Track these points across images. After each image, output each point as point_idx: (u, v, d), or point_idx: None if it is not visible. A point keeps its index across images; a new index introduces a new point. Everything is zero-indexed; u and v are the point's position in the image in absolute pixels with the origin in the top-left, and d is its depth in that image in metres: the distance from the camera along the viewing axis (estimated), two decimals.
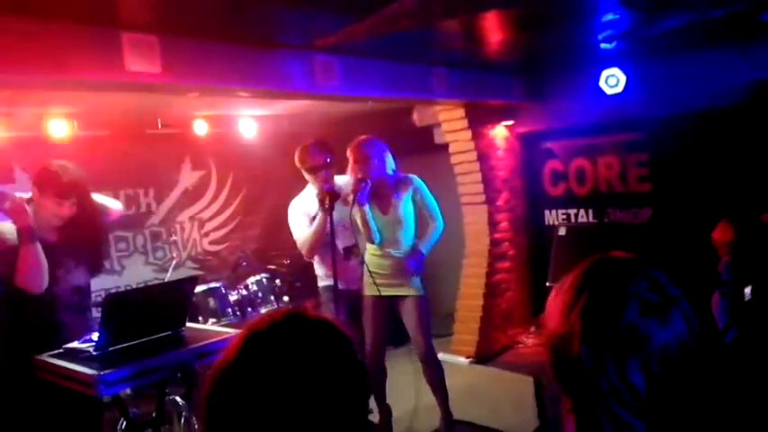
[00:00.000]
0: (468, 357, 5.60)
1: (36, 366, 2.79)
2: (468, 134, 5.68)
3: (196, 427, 3.87)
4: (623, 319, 0.98)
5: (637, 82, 5.09)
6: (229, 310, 5.24)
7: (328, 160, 3.75)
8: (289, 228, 3.92)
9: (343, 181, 3.82)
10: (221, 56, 3.47)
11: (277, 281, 5.66)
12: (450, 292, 5.87)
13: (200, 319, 4.89)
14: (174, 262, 5.39)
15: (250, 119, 6.11)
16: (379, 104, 5.57)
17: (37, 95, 4.09)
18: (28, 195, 2.98)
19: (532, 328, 6.10)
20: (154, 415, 3.07)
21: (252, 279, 5.54)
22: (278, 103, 5.34)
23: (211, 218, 6.49)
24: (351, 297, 3.86)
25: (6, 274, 2.87)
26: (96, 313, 3.52)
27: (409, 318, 3.84)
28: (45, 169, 3.04)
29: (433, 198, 3.90)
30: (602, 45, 4.40)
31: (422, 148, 5.95)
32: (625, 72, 5.10)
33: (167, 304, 3.03)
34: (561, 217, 6.08)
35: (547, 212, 6.19)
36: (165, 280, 5.26)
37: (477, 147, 5.71)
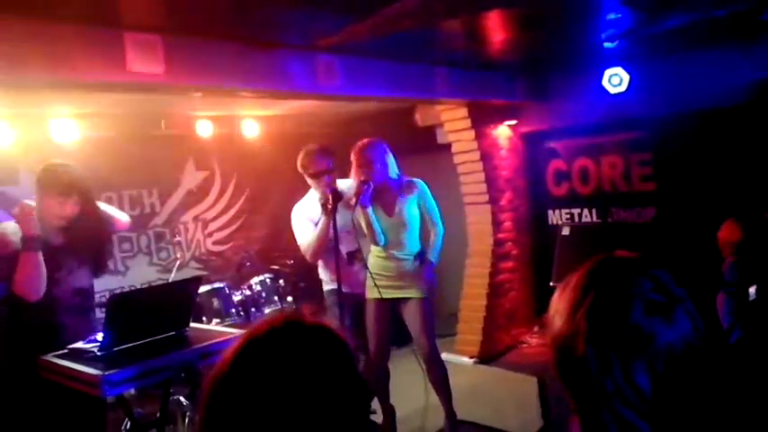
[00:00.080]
0: (471, 357, 5.60)
1: (40, 366, 2.79)
2: (471, 134, 5.67)
3: None
4: (629, 320, 0.98)
5: (640, 81, 5.08)
6: (233, 310, 5.24)
7: (330, 165, 3.76)
8: (292, 229, 3.93)
9: (346, 185, 3.82)
10: (224, 56, 3.48)
11: (281, 281, 5.66)
12: (453, 292, 5.86)
13: (203, 319, 4.89)
14: (177, 262, 5.39)
15: (253, 119, 6.12)
16: (382, 104, 5.57)
17: (41, 97, 4.10)
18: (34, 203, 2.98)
19: (536, 328, 6.09)
20: (158, 415, 3.08)
21: (256, 279, 5.55)
22: (281, 103, 5.34)
23: (215, 218, 6.50)
24: (355, 301, 3.86)
25: (7, 275, 2.87)
26: (100, 314, 3.53)
27: (412, 320, 3.84)
28: (46, 169, 3.05)
29: (434, 204, 3.92)
30: (605, 44, 4.40)
31: (424, 148, 5.95)
32: (628, 71, 5.10)
33: (171, 305, 3.04)
34: (565, 217, 6.07)
35: (550, 212, 6.19)
36: (169, 280, 5.27)
37: (479, 146, 5.70)
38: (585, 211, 5.93)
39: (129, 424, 3.44)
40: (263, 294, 5.49)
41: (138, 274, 5.76)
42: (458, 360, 5.51)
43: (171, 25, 3.17)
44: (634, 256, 1.07)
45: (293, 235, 3.93)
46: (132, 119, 5.39)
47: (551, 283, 5.36)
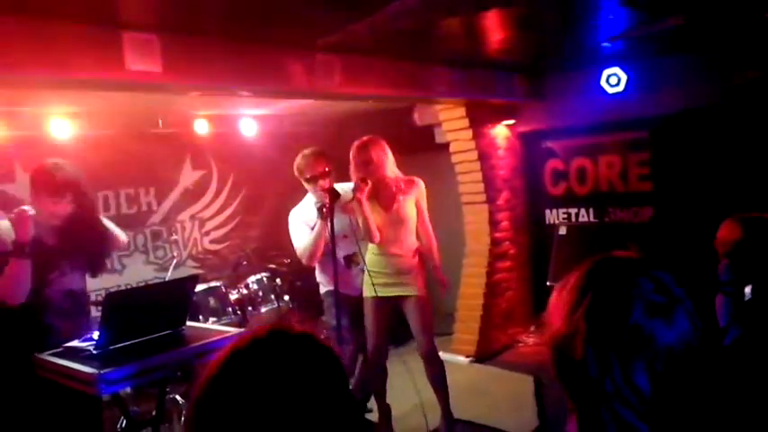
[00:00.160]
0: (468, 356, 5.60)
1: (36, 365, 2.78)
2: (469, 133, 5.68)
3: None
4: (629, 321, 0.98)
5: (638, 81, 5.09)
6: (230, 309, 5.24)
7: (327, 169, 3.76)
8: (289, 232, 3.93)
9: (342, 189, 3.82)
10: (222, 55, 3.47)
11: (277, 280, 5.66)
12: (450, 291, 5.85)
13: (200, 318, 4.88)
14: (174, 261, 5.38)
15: (251, 118, 6.12)
16: (380, 104, 5.57)
17: (38, 95, 4.09)
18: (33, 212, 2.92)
19: (533, 328, 6.10)
20: (154, 413, 3.08)
21: (252, 278, 5.54)
22: (279, 102, 5.34)
23: (212, 217, 6.49)
24: (352, 302, 3.87)
25: None
26: (96, 312, 3.52)
27: (412, 317, 3.85)
28: (39, 168, 3.04)
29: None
30: (604, 44, 4.40)
31: (422, 147, 5.95)
32: (626, 71, 5.10)
33: (168, 303, 3.03)
34: (562, 216, 6.07)
35: (547, 212, 6.19)
36: (166, 279, 5.26)
37: (477, 146, 5.70)
38: (583, 211, 5.94)
39: (124, 422, 3.44)
40: (260, 293, 5.49)
41: (135, 272, 5.75)
42: (454, 359, 5.51)
43: (169, 24, 3.16)
44: (634, 257, 1.07)
45: (290, 235, 3.93)
46: (129, 117, 5.38)
47: (548, 283, 5.36)
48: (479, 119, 5.72)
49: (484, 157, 5.78)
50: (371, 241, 3.79)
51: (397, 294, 3.81)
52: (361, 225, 3.75)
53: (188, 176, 6.29)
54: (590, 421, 1.01)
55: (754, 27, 4.07)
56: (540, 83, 5.79)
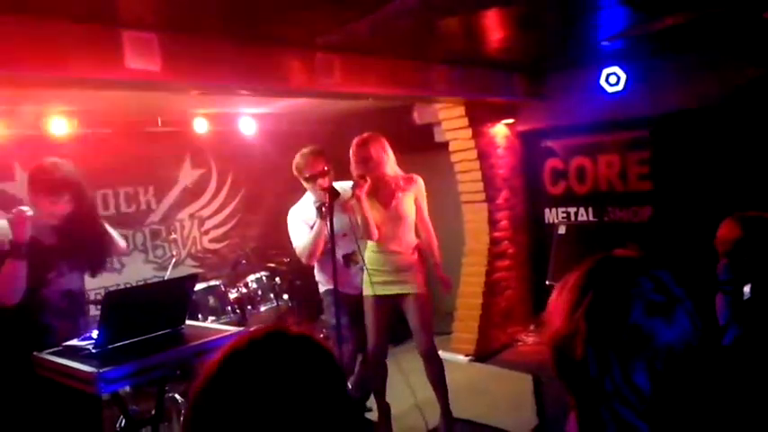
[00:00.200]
0: (467, 355, 5.60)
1: (35, 364, 2.78)
2: (469, 132, 5.68)
3: None
4: (628, 320, 0.98)
5: (637, 80, 5.09)
6: (229, 308, 5.24)
7: (326, 168, 3.76)
8: (288, 230, 3.93)
9: (341, 187, 3.82)
10: (221, 54, 3.47)
11: (277, 279, 5.66)
12: (451, 290, 5.85)
13: (199, 316, 4.88)
14: (173, 260, 5.38)
15: (250, 117, 6.12)
16: (379, 102, 5.56)
17: (37, 93, 4.08)
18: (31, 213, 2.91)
19: (532, 327, 6.11)
20: (153, 412, 3.07)
21: (252, 277, 5.54)
22: (278, 101, 5.34)
23: (211, 216, 6.49)
24: (351, 301, 3.87)
25: None
26: (95, 311, 3.52)
27: (411, 315, 3.84)
28: (37, 168, 3.03)
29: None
30: (603, 43, 4.40)
31: (422, 146, 5.94)
32: (625, 70, 5.10)
33: (167, 302, 3.03)
34: (561, 215, 6.07)
35: (547, 211, 6.20)
36: (165, 278, 5.26)
37: (477, 145, 5.71)
38: (582, 210, 5.94)
39: (123, 421, 3.44)
40: (259, 292, 5.49)
41: (134, 271, 5.75)
42: (453, 358, 5.51)
43: (168, 23, 3.16)
44: (634, 256, 1.07)
45: (289, 234, 3.93)
46: (129, 116, 5.38)
47: (547, 282, 5.37)
48: (479, 118, 5.72)
49: (483, 156, 5.78)
50: (370, 238, 3.78)
51: (396, 292, 3.81)
52: (359, 222, 3.75)
53: (187, 175, 6.29)
54: (590, 420, 1.01)
55: (754, 27, 4.07)
56: (540, 82, 5.79)
